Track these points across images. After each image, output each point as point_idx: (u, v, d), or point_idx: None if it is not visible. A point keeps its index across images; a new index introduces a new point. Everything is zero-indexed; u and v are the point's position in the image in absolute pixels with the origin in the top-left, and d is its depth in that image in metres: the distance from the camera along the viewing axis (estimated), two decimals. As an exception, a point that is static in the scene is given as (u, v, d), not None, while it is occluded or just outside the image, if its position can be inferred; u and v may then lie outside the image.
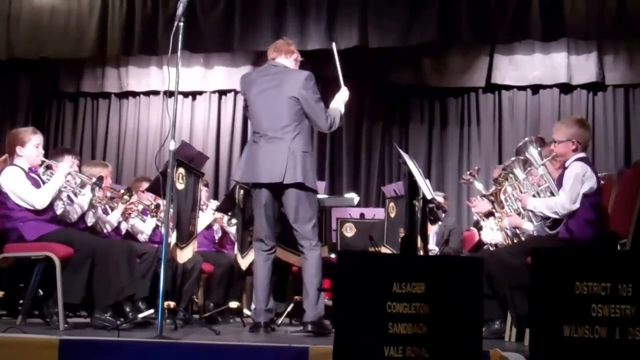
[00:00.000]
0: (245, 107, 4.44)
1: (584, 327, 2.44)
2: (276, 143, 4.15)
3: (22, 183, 4.35)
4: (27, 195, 4.32)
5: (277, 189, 4.19)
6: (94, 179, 4.68)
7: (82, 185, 4.68)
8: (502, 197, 4.49)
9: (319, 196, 4.59)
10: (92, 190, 4.67)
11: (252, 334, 4.17)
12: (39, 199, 4.34)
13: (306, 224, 4.18)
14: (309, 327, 4.08)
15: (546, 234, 4.01)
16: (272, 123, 4.19)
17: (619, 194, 4.12)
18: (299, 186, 4.13)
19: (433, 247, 6.55)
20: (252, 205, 4.39)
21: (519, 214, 4.34)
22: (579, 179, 3.84)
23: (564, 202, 3.85)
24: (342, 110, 4.37)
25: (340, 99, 4.39)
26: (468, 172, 5.84)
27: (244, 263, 5.17)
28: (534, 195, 4.14)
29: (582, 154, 3.97)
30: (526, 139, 4.33)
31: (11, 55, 7.61)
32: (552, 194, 4.03)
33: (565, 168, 3.96)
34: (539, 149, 4.20)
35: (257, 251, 4.32)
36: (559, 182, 3.99)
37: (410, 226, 4.26)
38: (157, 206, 5.20)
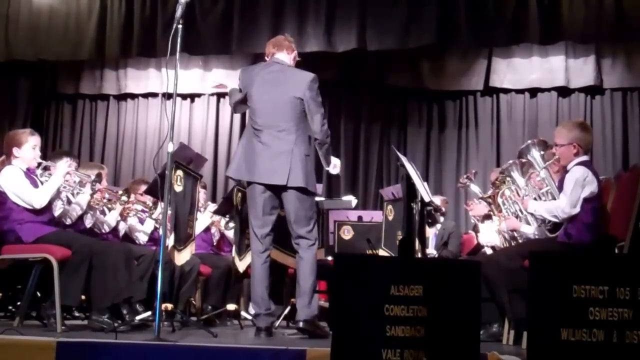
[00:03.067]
0: (242, 102, 4.32)
1: (581, 331, 2.45)
2: (278, 143, 4.10)
3: (21, 182, 4.34)
4: (26, 194, 4.30)
5: (276, 189, 4.14)
6: (92, 176, 4.67)
7: (81, 184, 4.67)
8: (500, 200, 4.48)
9: (316, 198, 4.56)
10: (92, 187, 4.66)
11: (253, 337, 4.13)
12: (38, 198, 4.32)
13: (306, 224, 4.14)
14: (301, 325, 4.00)
15: (545, 237, 4.00)
16: (274, 121, 4.13)
17: (616, 197, 4.12)
18: (300, 189, 4.10)
19: (432, 251, 6.55)
20: (247, 203, 4.25)
21: (516, 216, 4.33)
22: (580, 183, 3.83)
23: (564, 206, 3.85)
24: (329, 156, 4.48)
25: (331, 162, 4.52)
26: (465, 176, 5.83)
27: (241, 265, 5.18)
28: (535, 199, 4.13)
29: (583, 158, 3.96)
30: (529, 141, 4.30)
31: (10, 56, 7.59)
32: (554, 198, 4.02)
33: (566, 172, 3.96)
34: (542, 152, 4.19)
35: (253, 253, 4.21)
36: (560, 186, 3.99)
37: (408, 229, 4.25)
38: (155, 203, 5.18)
